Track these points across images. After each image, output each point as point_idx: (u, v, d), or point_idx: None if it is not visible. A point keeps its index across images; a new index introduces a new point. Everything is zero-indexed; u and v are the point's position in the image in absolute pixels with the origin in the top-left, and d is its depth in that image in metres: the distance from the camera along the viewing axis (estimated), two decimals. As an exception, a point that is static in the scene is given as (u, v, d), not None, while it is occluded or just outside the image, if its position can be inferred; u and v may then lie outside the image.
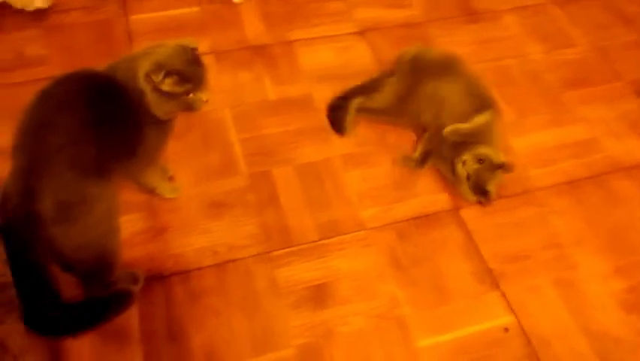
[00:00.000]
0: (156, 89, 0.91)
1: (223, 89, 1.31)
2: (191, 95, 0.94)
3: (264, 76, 1.36)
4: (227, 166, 1.19)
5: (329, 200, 1.17)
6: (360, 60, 1.42)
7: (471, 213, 1.18)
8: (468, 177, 1.12)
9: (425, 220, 1.15)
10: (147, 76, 0.90)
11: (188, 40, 0.95)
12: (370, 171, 1.22)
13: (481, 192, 1.13)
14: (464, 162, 1.12)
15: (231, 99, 1.30)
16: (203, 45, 1.38)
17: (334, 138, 1.26)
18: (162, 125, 0.97)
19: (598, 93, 1.41)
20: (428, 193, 1.20)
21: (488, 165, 1.11)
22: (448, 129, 1.13)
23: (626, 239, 1.16)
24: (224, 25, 1.45)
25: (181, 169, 1.17)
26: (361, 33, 1.49)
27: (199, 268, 1.06)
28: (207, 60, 1.03)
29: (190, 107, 0.95)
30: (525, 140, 1.30)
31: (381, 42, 1.47)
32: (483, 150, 1.12)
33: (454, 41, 1.49)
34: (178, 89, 0.92)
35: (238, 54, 1.39)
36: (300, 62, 1.40)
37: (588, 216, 1.19)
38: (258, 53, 1.40)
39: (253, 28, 1.46)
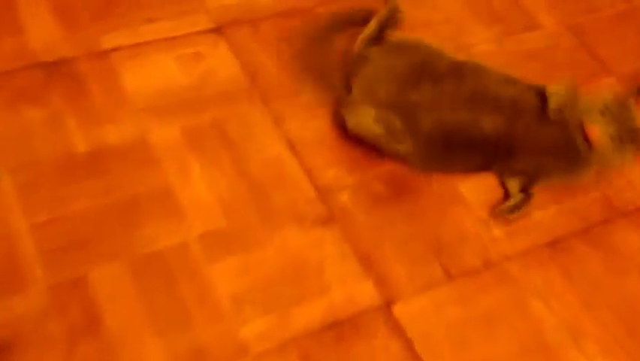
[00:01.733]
0: None
1: (-3, 140, 1.19)
2: None
3: (66, 113, 1.24)
4: (9, 276, 1.07)
5: (187, 314, 1.05)
6: (220, 74, 1.33)
7: (410, 309, 1.09)
8: (615, 138, 1.18)
9: (343, 328, 1.06)
10: None
11: None
12: (251, 258, 1.12)
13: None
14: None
15: (11, 156, 1.18)
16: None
17: (189, 208, 1.15)
18: None
19: None
20: (344, 283, 1.10)
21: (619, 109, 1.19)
22: (553, 109, 1.18)
23: (641, 322, 1.12)
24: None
25: None
26: (219, 30, 1.40)
27: None
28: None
29: None
30: (478, 180, 1.25)
31: (252, 42, 1.39)
32: (603, 98, 1.20)
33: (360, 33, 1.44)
34: None
35: (18, 78, 1.28)
36: (124, 86, 1.29)
37: (585, 294, 1.14)
38: (53, 73, 1.28)
39: (42, 33, 1.35)
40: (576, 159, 1.19)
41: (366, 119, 1.19)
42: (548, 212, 1.22)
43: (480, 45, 1.45)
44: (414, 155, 1.20)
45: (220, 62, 1.34)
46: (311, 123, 1.27)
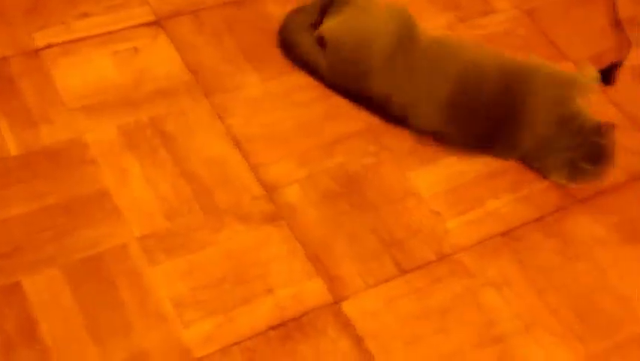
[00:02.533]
0: None
1: None
2: None
3: (-4, 115, 1.25)
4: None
5: (127, 319, 1.07)
6: (159, 69, 1.35)
7: (361, 306, 1.12)
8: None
9: (290, 328, 1.09)
10: None
11: None
12: (194, 259, 1.14)
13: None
14: None
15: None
16: None
17: (128, 210, 1.18)
18: None
19: None
20: (292, 282, 1.13)
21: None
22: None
23: (596, 311, 1.15)
24: None
25: None
26: (159, 22, 1.42)
27: None
28: None
29: None
30: (430, 171, 1.29)
31: (194, 34, 1.41)
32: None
33: (309, 22, 1.47)
34: None
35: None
36: (57, 85, 1.30)
37: (538, 283, 1.17)
38: (-19, 75, 1.29)
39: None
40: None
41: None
42: (502, 201, 1.26)
43: (435, 31, 1.48)
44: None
45: (159, 57, 1.37)
46: (256, 118, 1.31)
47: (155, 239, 1.16)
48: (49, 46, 1.35)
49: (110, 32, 1.39)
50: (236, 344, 1.08)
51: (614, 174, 1.30)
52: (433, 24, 1.49)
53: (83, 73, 1.33)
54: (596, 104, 1.41)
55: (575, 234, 1.24)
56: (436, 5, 1.54)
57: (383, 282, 1.15)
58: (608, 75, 1.45)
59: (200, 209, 1.19)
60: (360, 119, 1.32)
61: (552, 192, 1.28)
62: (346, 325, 1.11)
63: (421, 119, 1.28)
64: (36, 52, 1.34)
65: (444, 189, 1.26)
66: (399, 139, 1.31)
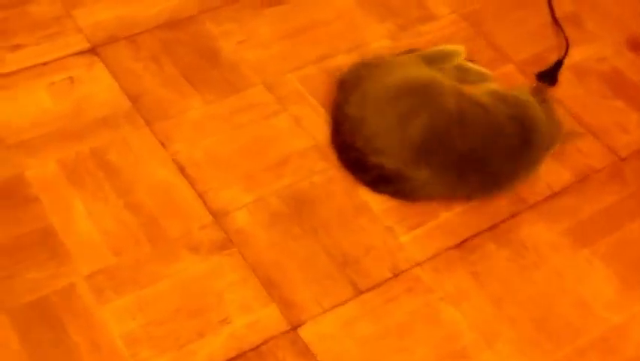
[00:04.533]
0: None
1: None
2: None
3: None
4: None
5: (78, 359, 1.05)
6: (97, 98, 1.31)
7: (318, 330, 1.09)
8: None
9: (249, 359, 1.05)
10: None
11: None
12: (144, 294, 1.11)
13: None
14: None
15: None
16: None
17: (74, 247, 1.13)
18: None
19: None
20: (247, 310, 1.10)
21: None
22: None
23: (555, 318, 1.14)
24: None
25: None
26: (94, 50, 1.38)
27: None
28: None
29: None
30: None
31: (131, 60, 1.37)
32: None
33: (250, 40, 1.43)
34: None
35: None
36: None
37: (496, 294, 1.15)
38: None
39: None
40: None
41: None
42: (455, 212, 1.24)
43: (375, 42, 1.47)
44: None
45: (97, 86, 1.33)
46: (201, 143, 1.27)
47: (103, 276, 1.12)
48: (-23, 82, 1.31)
49: (44, 63, 1.35)
50: (193, 380, 1.05)
51: (562, 176, 1.29)
52: (373, 35, 1.48)
53: (19, 107, 1.28)
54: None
55: (529, 241, 1.22)
56: (374, 15, 1.52)
57: (339, 304, 1.12)
58: (551, 75, 1.45)
59: (148, 241, 1.16)
60: (306, 137, 1.29)
61: (503, 199, 1.26)
62: (305, 351, 1.08)
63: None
64: (-32, 89, 1.29)
65: (396, 204, 1.24)
66: (347, 155, 1.28)
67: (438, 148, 1.20)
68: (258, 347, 1.08)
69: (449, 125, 1.22)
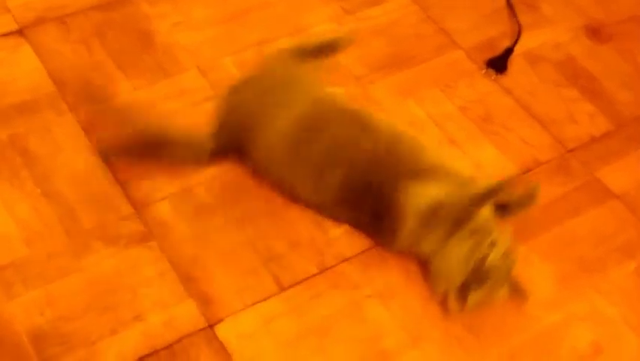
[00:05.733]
0: None
1: None
2: None
3: None
4: None
5: None
6: (21, 82, 1.26)
7: (237, 329, 1.03)
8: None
9: (161, 357, 1.01)
10: None
11: None
12: (55, 288, 1.05)
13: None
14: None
15: None
16: None
17: None
18: None
19: (426, 74, 1.37)
20: (163, 307, 1.05)
21: None
22: None
23: (484, 318, 1.08)
24: None
25: None
26: (21, 31, 1.33)
27: None
28: None
29: None
30: None
31: (60, 42, 1.32)
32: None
33: (187, 22, 1.38)
34: None
35: None
36: None
37: (425, 292, 1.10)
38: None
39: None
40: None
41: None
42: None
43: (319, 25, 1.42)
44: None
45: (21, 69, 1.27)
46: (126, 130, 1.22)
47: (12, 270, 1.07)
48: None
49: (-36, 44, 1.29)
50: (103, 378, 1.00)
51: (505, 166, 1.24)
52: (317, 18, 1.42)
53: None
54: (489, 94, 1.35)
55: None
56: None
57: (261, 300, 1.07)
58: (500, 63, 1.39)
59: (64, 232, 1.10)
60: (238, 124, 1.24)
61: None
62: (221, 351, 1.03)
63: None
64: None
65: (327, 196, 1.19)
66: (280, 144, 1.23)
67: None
68: (171, 345, 1.03)
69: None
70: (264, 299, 1.07)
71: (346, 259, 1.12)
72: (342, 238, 1.14)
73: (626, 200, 1.24)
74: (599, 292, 1.13)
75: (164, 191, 1.16)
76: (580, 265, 1.16)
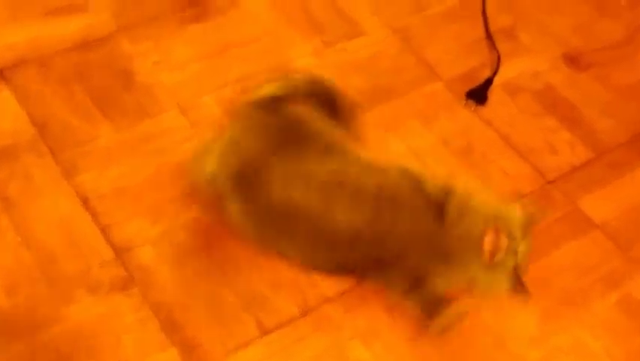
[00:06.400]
0: None
1: None
2: None
3: None
4: None
5: None
6: (2, 126, 1.24)
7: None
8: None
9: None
10: None
11: None
12: (36, 340, 1.03)
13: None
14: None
15: None
16: None
17: None
18: None
19: (406, 106, 1.37)
20: (144, 355, 1.04)
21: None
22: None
23: (469, 357, 1.08)
24: None
25: None
26: (1, 74, 1.31)
27: None
28: None
29: None
30: None
31: (40, 84, 1.31)
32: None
33: (167, 60, 1.37)
34: None
35: None
36: None
37: (409, 331, 1.10)
38: None
39: None
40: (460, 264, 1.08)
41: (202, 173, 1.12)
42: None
43: (301, 59, 1.41)
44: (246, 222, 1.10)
45: (1, 112, 1.26)
46: (108, 173, 1.21)
47: (-6, 321, 1.06)
48: None
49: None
50: None
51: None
52: (298, 51, 1.42)
53: None
54: (470, 126, 1.35)
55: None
56: (299, 32, 1.46)
57: (244, 346, 1.06)
58: (480, 94, 1.39)
59: (45, 281, 1.09)
60: (219, 164, 1.23)
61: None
62: (206, 399, 1.02)
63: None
64: None
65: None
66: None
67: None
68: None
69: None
70: (247, 344, 1.07)
71: (328, 300, 1.12)
72: (325, 279, 1.13)
73: (606, 230, 1.24)
74: (583, 325, 1.13)
75: (145, 234, 1.15)
76: (563, 297, 1.16)
